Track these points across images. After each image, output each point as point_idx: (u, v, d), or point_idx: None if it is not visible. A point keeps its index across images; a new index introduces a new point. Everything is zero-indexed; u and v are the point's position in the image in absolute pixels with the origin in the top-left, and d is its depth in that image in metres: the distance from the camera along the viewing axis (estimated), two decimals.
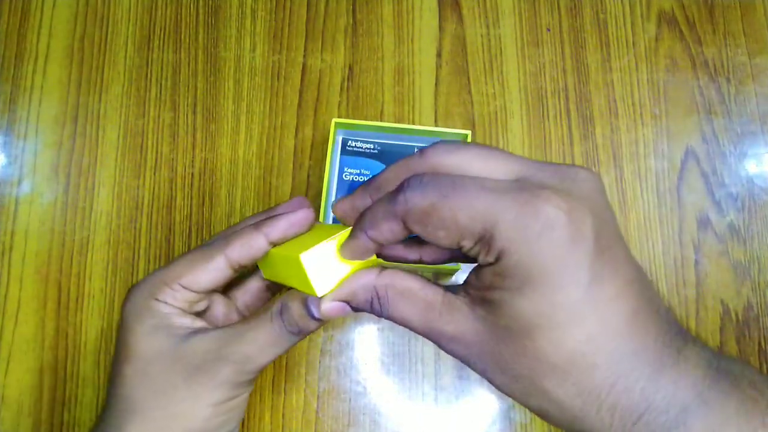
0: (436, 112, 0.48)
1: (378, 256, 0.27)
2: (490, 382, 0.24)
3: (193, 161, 0.47)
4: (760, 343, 0.43)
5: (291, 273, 0.28)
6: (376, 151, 0.43)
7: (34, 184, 0.46)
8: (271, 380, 0.43)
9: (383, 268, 0.26)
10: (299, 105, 0.48)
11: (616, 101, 0.48)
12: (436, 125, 0.48)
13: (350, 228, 0.26)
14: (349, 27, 0.50)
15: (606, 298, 0.21)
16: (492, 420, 0.42)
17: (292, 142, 0.47)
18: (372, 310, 0.26)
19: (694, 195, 0.46)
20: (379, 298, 0.25)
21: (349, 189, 0.42)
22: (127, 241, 0.45)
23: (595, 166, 0.47)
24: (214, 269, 0.30)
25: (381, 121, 0.48)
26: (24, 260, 0.45)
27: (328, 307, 0.26)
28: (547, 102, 0.48)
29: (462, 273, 0.44)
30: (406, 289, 0.25)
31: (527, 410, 0.42)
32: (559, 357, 0.22)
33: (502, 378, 0.23)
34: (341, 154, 0.43)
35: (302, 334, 0.29)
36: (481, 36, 0.50)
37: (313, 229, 0.30)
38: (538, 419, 0.42)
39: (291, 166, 0.47)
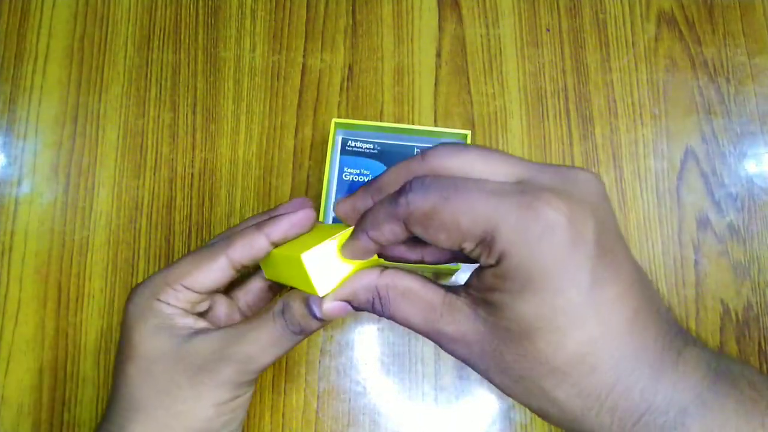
0: (435, 112, 0.48)
1: (379, 256, 0.27)
2: (491, 382, 0.24)
3: (192, 161, 0.47)
4: (760, 343, 0.43)
5: (293, 273, 0.28)
6: (375, 151, 0.43)
7: (34, 184, 0.46)
8: (271, 380, 0.43)
9: (384, 268, 0.26)
10: (299, 105, 0.48)
11: (615, 101, 0.48)
12: (436, 125, 0.48)
13: (351, 228, 0.26)
14: (349, 27, 0.50)
15: (607, 301, 0.22)
16: (492, 420, 0.42)
17: (292, 143, 0.47)
18: (373, 310, 0.26)
19: (694, 195, 0.46)
20: (380, 299, 0.25)
21: (349, 189, 0.42)
22: (127, 241, 0.45)
23: (594, 166, 0.47)
24: (216, 270, 0.30)
25: (381, 121, 0.48)
26: (24, 260, 0.45)
27: (329, 306, 0.27)
28: (546, 102, 0.48)
29: (462, 273, 0.44)
30: (407, 289, 0.25)
31: (527, 410, 0.42)
32: (559, 359, 0.22)
33: (503, 379, 0.24)
34: (341, 154, 0.43)
35: (304, 333, 0.29)
36: (481, 36, 0.50)
37: (314, 229, 0.31)
38: (538, 419, 0.42)
39: (291, 166, 0.47)
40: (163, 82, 0.48)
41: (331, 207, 0.42)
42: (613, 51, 0.49)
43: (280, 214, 0.30)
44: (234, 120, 0.48)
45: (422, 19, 0.50)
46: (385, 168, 0.42)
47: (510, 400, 0.42)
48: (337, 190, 0.42)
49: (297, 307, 0.28)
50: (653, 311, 0.23)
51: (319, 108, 0.48)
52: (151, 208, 0.46)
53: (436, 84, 0.49)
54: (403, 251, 0.27)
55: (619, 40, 0.50)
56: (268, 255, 0.30)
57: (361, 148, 0.43)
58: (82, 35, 0.49)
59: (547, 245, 0.21)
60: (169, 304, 0.30)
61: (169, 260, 0.45)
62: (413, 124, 0.48)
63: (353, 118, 0.46)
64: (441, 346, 0.25)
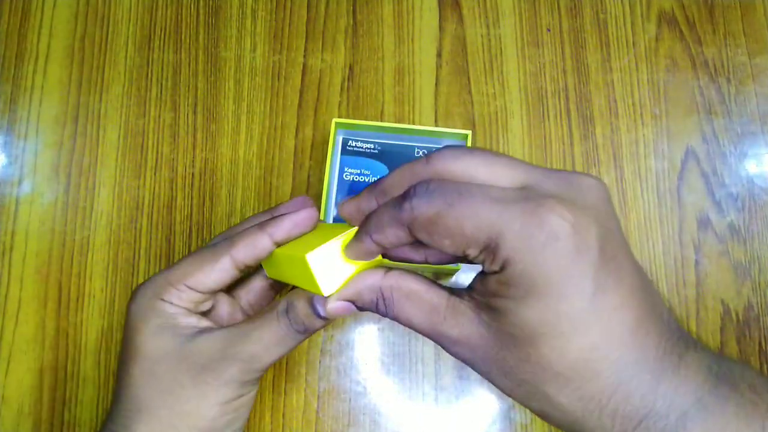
0: (436, 112, 0.48)
1: (383, 256, 0.27)
2: (493, 384, 0.24)
3: (193, 161, 0.47)
4: (760, 343, 0.43)
5: (296, 272, 0.28)
6: (376, 151, 0.43)
7: (35, 184, 0.46)
8: (271, 380, 0.43)
9: (389, 268, 0.26)
10: (299, 105, 0.48)
11: (616, 101, 0.48)
12: (437, 125, 0.48)
13: (355, 228, 0.26)
14: (350, 27, 0.50)
15: (610, 308, 0.22)
16: (492, 420, 0.42)
17: (293, 142, 0.47)
18: (377, 311, 0.26)
19: (695, 195, 0.46)
20: (384, 299, 0.26)
21: (350, 189, 0.42)
22: (128, 241, 0.45)
23: (595, 166, 0.47)
24: (219, 270, 0.30)
25: (381, 121, 0.48)
26: (24, 260, 0.45)
27: (333, 306, 0.27)
28: (547, 102, 0.48)
29: (463, 273, 0.44)
30: (411, 291, 0.25)
31: (527, 410, 0.42)
32: (562, 365, 0.22)
33: (505, 382, 0.24)
34: (341, 154, 0.43)
35: (308, 332, 0.29)
36: (482, 36, 0.50)
37: (316, 229, 0.31)
38: (538, 419, 0.42)
39: (291, 166, 0.47)
40: (163, 82, 0.49)
41: (332, 207, 0.42)
42: (614, 51, 0.49)
43: (283, 214, 0.30)
44: (235, 120, 0.48)
45: (423, 19, 0.50)
46: (385, 168, 0.43)
47: (510, 400, 0.42)
48: (337, 190, 0.42)
49: (301, 307, 0.28)
50: (656, 316, 0.23)
51: (319, 108, 0.48)
52: (152, 208, 0.46)
53: (436, 84, 0.49)
54: (407, 252, 0.27)
55: (620, 40, 0.50)
56: (270, 254, 0.31)
57: (362, 148, 0.43)
58: (82, 35, 0.49)
59: (551, 253, 0.21)
60: (172, 303, 0.30)
61: (169, 260, 0.45)
62: (414, 124, 0.48)
63: (354, 118, 0.46)
64: (444, 348, 0.25)
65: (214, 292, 0.31)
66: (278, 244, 0.30)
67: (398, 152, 0.43)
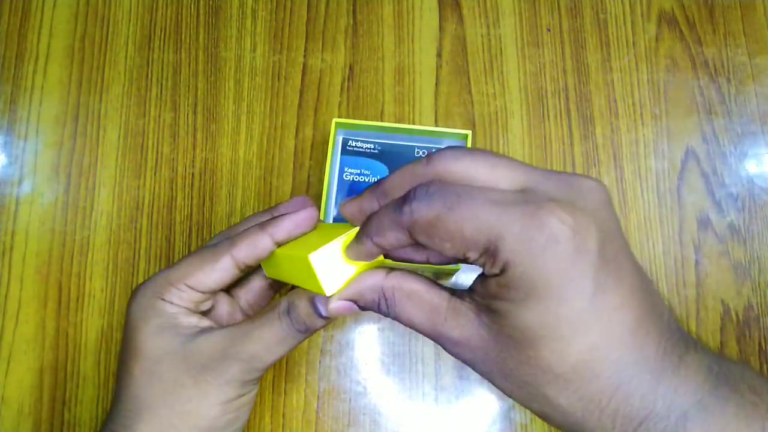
0: (436, 112, 0.48)
1: (385, 256, 0.27)
2: (494, 385, 0.24)
3: (193, 161, 0.47)
4: (760, 344, 0.43)
5: (298, 272, 0.28)
6: (376, 151, 0.43)
7: (35, 184, 0.46)
8: (271, 380, 0.43)
9: (390, 269, 0.26)
10: (300, 105, 0.48)
11: (616, 101, 0.48)
12: (437, 125, 0.48)
13: (356, 228, 0.26)
14: (350, 27, 0.50)
15: (610, 308, 0.22)
16: (492, 420, 0.42)
17: (293, 143, 0.47)
18: (379, 310, 0.26)
19: (695, 195, 0.46)
20: (386, 299, 0.26)
21: (350, 189, 0.42)
22: (128, 241, 0.45)
23: (595, 166, 0.47)
24: (220, 270, 0.30)
25: (381, 121, 0.48)
26: (24, 260, 0.45)
27: (335, 306, 0.27)
28: (547, 102, 0.48)
29: (462, 273, 0.44)
30: (413, 291, 0.25)
31: (527, 411, 0.42)
32: (562, 367, 0.22)
33: (506, 383, 0.24)
34: (341, 154, 0.43)
35: (309, 332, 0.29)
36: (482, 36, 0.50)
37: (316, 229, 0.31)
38: (538, 419, 0.42)
39: (291, 166, 0.47)
40: (163, 82, 0.49)
41: (332, 207, 0.42)
42: (614, 51, 0.49)
43: (284, 214, 0.30)
44: (235, 120, 0.48)
45: (423, 19, 0.50)
46: (385, 168, 0.43)
47: (510, 400, 0.42)
48: (337, 190, 0.42)
49: (302, 307, 0.28)
50: (656, 317, 0.23)
51: (319, 108, 0.48)
52: (152, 208, 0.46)
53: (436, 84, 0.49)
54: (408, 252, 0.27)
55: (620, 40, 0.50)
56: (270, 255, 0.31)
57: (362, 148, 0.43)
58: (82, 35, 0.49)
59: (551, 256, 0.21)
60: (172, 303, 0.30)
61: (169, 260, 0.45)
62: (414, 124, 0.48)
63: (354, 118, 0.46)
64: (444, 349, 0.25)
65: (214, 292, 0.31)
66: (279, 244, 0.30)
67: (398, 152, 0.43)
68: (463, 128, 0.47)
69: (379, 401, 0.42)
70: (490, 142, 0.47)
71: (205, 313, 0.32)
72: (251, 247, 0.30)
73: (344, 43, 0.49)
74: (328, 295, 0.26)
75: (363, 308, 0.27)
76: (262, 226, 0.30)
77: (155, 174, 0.47)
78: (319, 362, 0.43)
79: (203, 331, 0.30)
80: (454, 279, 0.45)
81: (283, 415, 0.42)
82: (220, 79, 0.49)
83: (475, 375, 0.42)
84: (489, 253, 0.22)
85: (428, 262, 0.27)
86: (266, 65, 0.49)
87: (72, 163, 0.47)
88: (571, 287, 0.21)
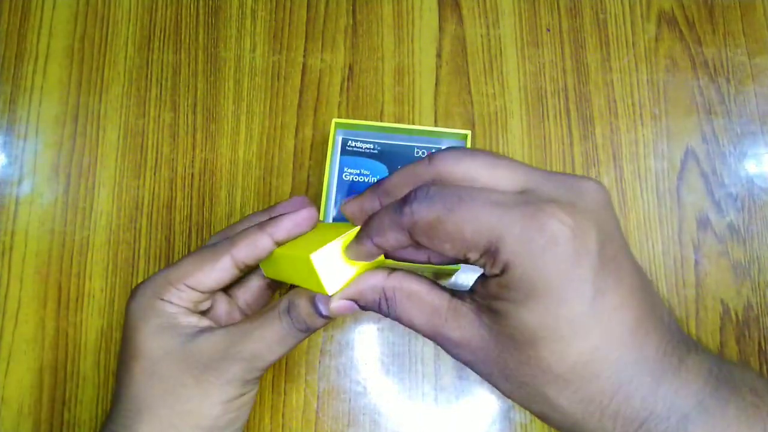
0: (436, 112, 0.48)
1: (386, 256, 0.27)
2: (494, 386, 0.25)
3: (193, 161, 0.47)
4: (760, 343, 0.43)
5: (298, 272, 0.28)
6: (376, 151, 0.43)
7: (35, 184, 0.46)
8: (271, 380, 0.43)
9: (392, 269, 0.26)
10: (299, 105, 0.48)
11: (615, 101, 0.48)
12: (436, 125, 0.48)
13: (357, 228, 0.27)
14: (349, 27, 0.50)
15: (609, 309, 0.22)
16: (492, 420, 0.42)
17: (292, 143, 0.47)
18: (379, 310, 0.26)
19: (694, 195, 0.46)
20: (386, 300, 0.26)
21: (349, 189, 0.42)
22: (127, 241, 0.45)
23: (594, 166, 0.47)
24: (220, 269, 0.30)
25: (381, 121, 0.48)
26: (24, 260, 0.45)
27: (336, 305, 0.27)
28: (546, 102, 0.48)
29: (462, 273, 0.44)
30: (413, 292, 0.25)
31: (527, 411, 0.42)
32: (561, 368, 0.22)
33: (506, 384, 0.24)
34: (341, 154, 0.43)
35: (309, 331, 0.29)
36: (481, 36, 0.50)
37: (315, 228, 0.31)
38: (538, 419, 0.42)
39: (291, 166, 0.47)
40: (163, 82, 0.49)
41: (332, 207, 0.42)
42: (614, 51, 0.49)
43: (283, 214, 0.30)
44: (234, 120, 0.48)
45: (423, 19, 0.50)
46: (385, 168, 0.43)
47: (510, 400, 0.42)
48: (337, 190, 0.42)
49: (303, 306, 0.28)
50: (656, 319, 0.23)
51: (319, 108, 0.48)
52: (152, 208, 0.46)
53: (436, 84, 0.49)
54: (409, 252, 0.27)
55: (620, 40, 0.50)
56: (270, 255, 0.31)
57: (362, 148, 0.43)
58: (82, 35, 0.49)
59: (551, 257, 0.21)
60: (172, 303, 0.30)
61: (169, 260, 0.45)
62: (413, 124, 0.48)
63: (353, 118, 0.46)
64: (445, 350, 0.25)
65: (213, 292, 0.31)
66: (278, 244, 0.30)
67: (398, 152, 0.43)
68: (462, 128, 0.47)
69: (378, 401, 0.42)
70: (489, 142, 0.47)
71: (203, 313, 0.32)
72: (251, 247, 0.30)
73: (344, 43, 0.49)
74: (329, 294, 0.26)
75: (363, 308, 0.27)
76: (262, 226, 0.30)
77: (155, 174, 0.47)
78: (319, 362, 0.43)
79: (203, 330, 0.30)
80: (453, 279, 0.45)
81: (283, 415, 0.42)
82: (220, 80, 0.49)
83: (474, 375, 0.42)
84: (489, 254, 0.22)
85: (429, 262, 0.27)
86: (266, 65, 0.49)
87: (72, 164, 0.47)
88: (571, 288, 0.21)
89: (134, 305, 0.30)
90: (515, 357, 0.23)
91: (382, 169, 0.43)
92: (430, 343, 0.43)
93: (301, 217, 0.30)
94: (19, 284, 0.44)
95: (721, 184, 0.46)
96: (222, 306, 0.33)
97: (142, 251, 0.45)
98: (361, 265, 0.27)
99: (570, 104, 0.48)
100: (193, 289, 0.30)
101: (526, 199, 0.22)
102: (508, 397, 0.24)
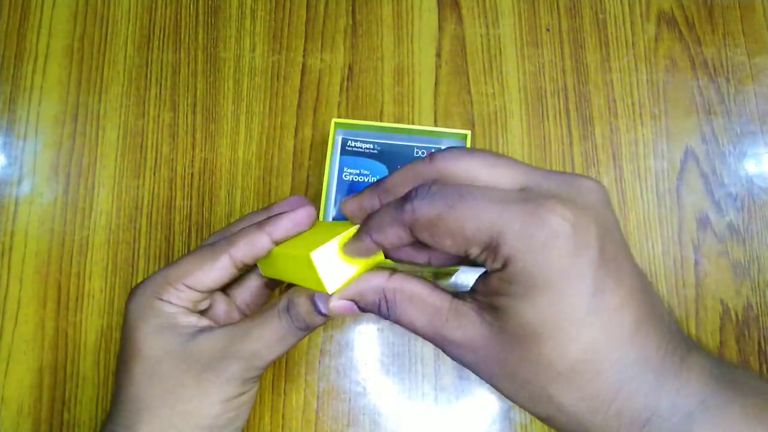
0: (435, 112, 0.48)
1: (387, 257, 0.27)
2: (497, 388, 0.24)
3: (192, 161, 0.47)
4: (759, 343, 0.43)
5: (297, 271, 0.28)
6: (375, 151, 0.43)
7: (34, 184, 0.46)
8: (271, 380, 0.43)
9: (393, 271, 0.26)
10: (299, 105, 0.48)
11: (615, 101, 0.48)
12: (436, 125, 0.48)
13: (356, 226, 0.27)
14: (349, 27, 0.50)
15: (609, 308, 0.22)
16: (492, 420, 0.42)
17: (292, 143, 0.47)
18: (379, 312, 0.26)
19: (694, 195, 0.46)
20: (387, 301, 0.26)
21: (349, 189, 0.42)
22: (127, 241, 0.45)
23: (594, 167, 0.47)
24: (218, 269, 0.30)
25: (381, 121, 0.48)
26: (24, 260, 0.45)
27: (336, 305, 0.27)
28: (546, 102, 0.48)
29: (462, 273, 0.44)
30: (414, 294, 0.25)
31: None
32: (563, 364, 0.22)
33: (509, 384, 0.24)
34: (341, 154, 0.43)
35: (309, 330, 0.29)
36: (481, 36, 0.50)
37: (313, 227, 0.31)
38: (537, 420, 0.42)
39: (291, 166, 0.47)
40: (163, 82, 0.48)
41: (331, 207, 0.42)
42: (613, 51, 0.49)
43: (281, 213, 0.30)
44: (234, 120, 0.48)
45: (422, 19, 0.50)
46: (385, 168, 0.42)
47: (511, 401, 0.42)
48: (336, 190, 0.42)
49: (302, 304, 0.28)
50: (656, 319, 0.23)
51: (319, 108, 0.48)
52: (151, 207, 0.46)
53: (436, 84, 0.49)
54: (410, 253, 0.27)
55: (619, 40, 0.50)
56: (268, 254, 0.31)
57: (361, 148, 0.43)
58: (82, 35, 0.49)
59: (551, 251, 0.21)
60: (171, 303, 0.30)
61: (169, 260, 0.45)
62: (413, 124, 0.48)
63: (353, 118, 0.46)
64: (446, 352, 0.25)
65: (212, 291, 0.31)
66: (277, 243, 0.30)
67: (398, 152, 0.43)
68: (462, 128, 0.47)
69: (378, 401, 0.42)
70: (489, 142, 0.47)
71: (202, 313, 0.32)
72: (249, 247, 0.30)
73: (343, 43, 0.49)
74: (329, 292, 0.26)
75: (363, 309, 0.27)
76: (260, 225, 0.30)
77: (154, 174, 0.47)
78: (319, 362, 0.43)
79: (202, 330, 0.30)
80: (453, 279, 0.45)
81: (283, 415, 0.42)
82: (220, 79, 0.49)
83: (474, 375, 0.42)
84: (490, 249, 0.22)
85: (429, 264, 0.27)
86: (265, 65, 0.49)
87: (71, 163, 0.47)
88: (572, 283, 0.21)
89: (133, 305, 0.30)
90: (517, 354, 0.23)
91: (381, 169, 0.43)
92: (430, 344, 0.43)
93: (300, 216, 0.30)
94: (18, 284, 0.44)
95: (721, 184, 0.46)
96: (221, 305, 0.33)
97: (141, 251, 0.45)
98: (362, 264, 0.27)
99: (570, 104, 0.48)
100: (192, 288, 0.30)
101: (526, 196, 0.22)
102: (512, 400, 0.24)
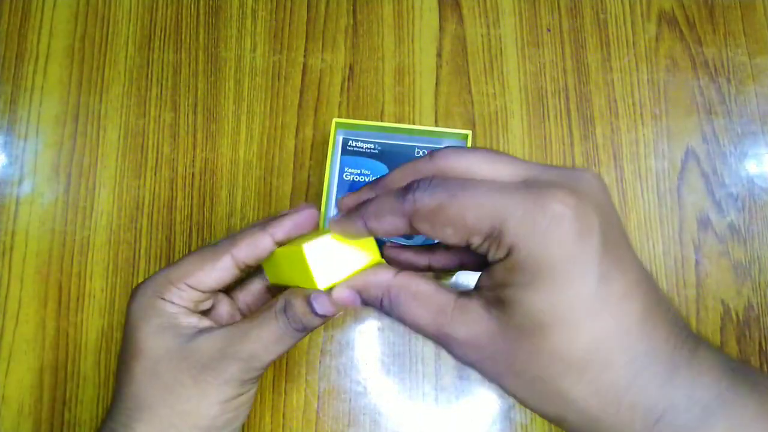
0: (436, 112, 0.48)
1: (387, 261, 0.27)
2: (504, 388, 0.24)
3: (193, 161, 0.47)
4: (760, 343, 0.43)
5: (294, 268, 0.28)
6: (376, 151, 0.43)
7: (35, 184, 0.46)
8: (271, 380, 0.43)
9: (399, 269, 0.26)
10: (300, 105, 0.48)
11: (616, 101, 0.48)
12: (437, 125, 0.48)
13: None
14: (350, 27, 0.50)
15: (615, 296, 0.21)
16: (492, 420, 0.42)
17: (293, 143, 0.47)
18: (381, 308, 0.26)
19: (695, 195, 0.46)
20: (390, 298, 0.25)
21: (350, 189, 0.42)
22: (128, 241, 0.45)
23: (595, 166, 0.47)
24: (220, 269, 0.30)
25: (381, 121, 0.48)
26: (25, 260, 0.45)
27: (340, 294, 0.26)
28: (547, 102, 0.48)
29: (462, 273, 0.44)
30: (419, 291, 0.25)
31: (528, 410, 0.42)
32: (573, 354, 0.21)
33: (517, 382, 0.23)
34: (342, 154, 0.43)
35: (306, 330, 0.29)
36: (482, 36, 0.50)
37: (317, 231, 0.31)
38: (538, 419, 0.42)
39: (291, 166, 0.47)
40: (164, 82, 0.49)
41: (332, 207, 0.42)
42: (614, 51, 0.49)
43: (284, 214, 0.30)
44: (235, 120, 0.48)
45: (423, 19, 0.50)
46: (385, 168, 0.42)
47: (510, 399, 0.42)
48: (337, 190, 0.42)
49: (298, 305, 0.28)
50: (662, 312, 0.23)
51: (319, 108, 0.48)
52: (152, 208, 0.46)
53: (436, 84, 0.48)
54: (410, 256, 0.27)
55: (620, 40, 0.50)
56: (271, 256, 0.31)
57: (362, 148, 0.43)
58: (82, 35, 0.49)
59: (555, 237, 0.21)
60: (172, 303, 0.30)
61: (170, 260, 0.45)
62: (414, 124, 0.48)
63: (354, 118, 0.46)
64: (450, 351, 0.24)
65: (214, 292, 0.32)
66: (279, 244, 0.30)
67: (398, 152, 0.43)
68: (463, 128, 0.47)
69: (379, 401, 0.42)
70: (490, 142, 0.47)
71: (205, 313, 0.32)
72: (251, 247, 0.30)
73: (344, 43, 0.49)
74: (319, 287, 0.26)
75: (365, 303, 0.26)
76: (263, 225, 0.30)
77: (155, 174, 0.47)
78: (319, 362, 0.43)
79: (203, 331, 0.30)
80: (454, 279, 0.45)
81: (283, 415, 0.42)
82: (220, 79, 0.49)
83: (475, 375, 0.42)
84: (493, 238, 0.22)
85: (429, 268, 0.27)
86: (266, 65, 0.49)
87: (72, 163, 0.47)
88: (577, 269, 0.21)
89: (135, 305, 0.30)
90: (525, 348, 0.22)
91: (382, 169, 0.43)
92: (431, 343, 0.43)
93: (302, 217, 0.30)
94: (19, 284, 0.44)
95: (722, 184, 0.46)
96: (224, 307, 0.33)
97: (142, 251, 0.45)
98: (358, 263, 0.27)
99: (570, 104, 0.48)
100: (193, 288, 0.30)
101: (528, 185, 0.22)
102: (521, 400, 0.23)
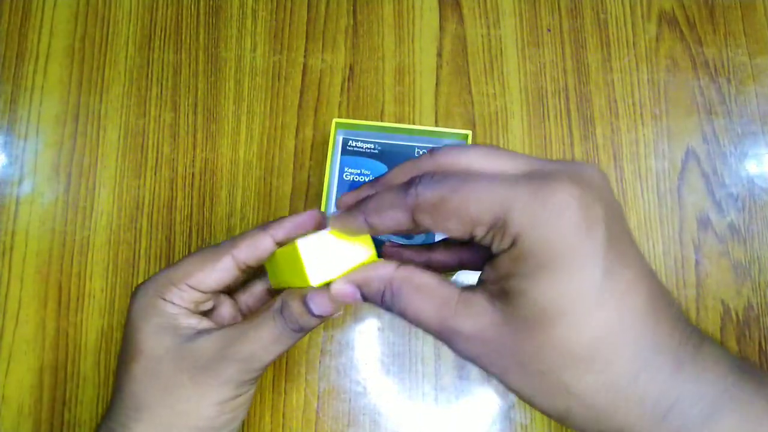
0: (436, 112, 0.48)
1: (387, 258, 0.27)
2: (508, 385, 0.23)
3: (193, 161, 0.47)
4: (760, 343, 0.43)
5: (290, 268, 0.28)
6: (376, 151, 0.43)
7: (35, 184, 0.46)
8: (271, 380, 0.43)
9: (401, 263, 0.26)
10: (300, 105, 0.48)
11: (616, 101, 0.48)
12: (437, 125, 0.48)
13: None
14: (350, 27, 0.50)
15: (620, 288, 0.21)
16: (492, 420, 0.42)
17: (293, 143, 0.47)
18: (382, 303, 0.25)
19: (695, 195, 0.46)
20: (392, 292, 0.25)
21: (350, 189, 0.42)
22: (128, 241, 0.45)
23: None
24: (221, 270, 0.30)
25: (381, 121, 0.48)
26: (24, 260, 0.45)
27: (340, 288, 0.26)
28: (547, 102, 0.48)
29: (462, 272, 0.44)
30: (423, 284, 0.25)
31: (527, 410, 0.42)
32: (579, 346, 0.21)
33: (522, 377, 0.23)
34: (342, 154, 0.43)
35: (303, 331, 0.29)
36: (482, 36, 0.50)
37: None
38: (538, 419, 0.42)
39: (291, 166, 0.47)
40: (164, 82, 0.49)
41: (332, 207, 0.42)
42: (614, 51, 0.49)
43: (286, 216, 0.31)
44: (235, 120, 0.48)
45: (423, 19, 0.50)
46: (385, 168, 0.43)
47: (510, 399, 0.42)
48: (337, 190, 0.42)
49: (295, 306, 0.28)
50: (665, 306, 0.22)
51: (319, 108, 0.48)
52: (152, 208, 0.46)
53: (437, 84, 0.48)
54: (410, 255, 0.27)
55: (620, 40, 0.50)
56: (271, 257, 0.31)
57: (362, 148, 0.43)
58: (83, 35, 0.49)
59: (560, 226, 0.21)
60: (173, 303, 0.30)
61: (169, 260, 0.45)
62: (414, 124, 0.48)
63: (354, 118, 0.46)
64: (453, 347, 0.24)
65: (215, 293, 0.32)
66: (280, 245, 0.30)
67: (398, 152, 0.43)
68: (463, 128, 0.47)
69: (379, 401, 0.42)
70: (490, 142, 0.47)
71: (207, 315, 0.32)
72: (252, 248, 0.30)
73: (344, 43, 0.49)
74: (312, 284, 0.26)
75: (365, 299, 0.26)
76: (264, 226, 0.30)
77: (155, 174, 0.47)
78: (319, 362, 0.43)
79: (202, 331, 0.30)
80: (454, 278, 0.45)
81: (283, 414, 0.42)
82: (221, 80, 0.49)
83: (475, 375, 0.42)
84: (497, 228, 0.22)
85: (429, 267, 0.27)
86: (266, 65, 0.49)
87: (72, 163, 0.47)
88: (582, 259, 0.21)
89: (136, 305, 0.30)
90: (531, 341, 0.22)
91: (382, 169, 0.43)
92: (431, 343, 0.43)
93: (303, 218, 0.30)
94: (19, 284, 0.44)
95: (722, 184, 0.46)
96: (226, 308, 0.33)
97: (142, 251, 0.45)
98: (353, 260, 0.26)
99: (570, 104, 0.48)
100: (194, 288, 0.30)
101: (531, 175, 0.22)
102: (525, 397, 0.23)
